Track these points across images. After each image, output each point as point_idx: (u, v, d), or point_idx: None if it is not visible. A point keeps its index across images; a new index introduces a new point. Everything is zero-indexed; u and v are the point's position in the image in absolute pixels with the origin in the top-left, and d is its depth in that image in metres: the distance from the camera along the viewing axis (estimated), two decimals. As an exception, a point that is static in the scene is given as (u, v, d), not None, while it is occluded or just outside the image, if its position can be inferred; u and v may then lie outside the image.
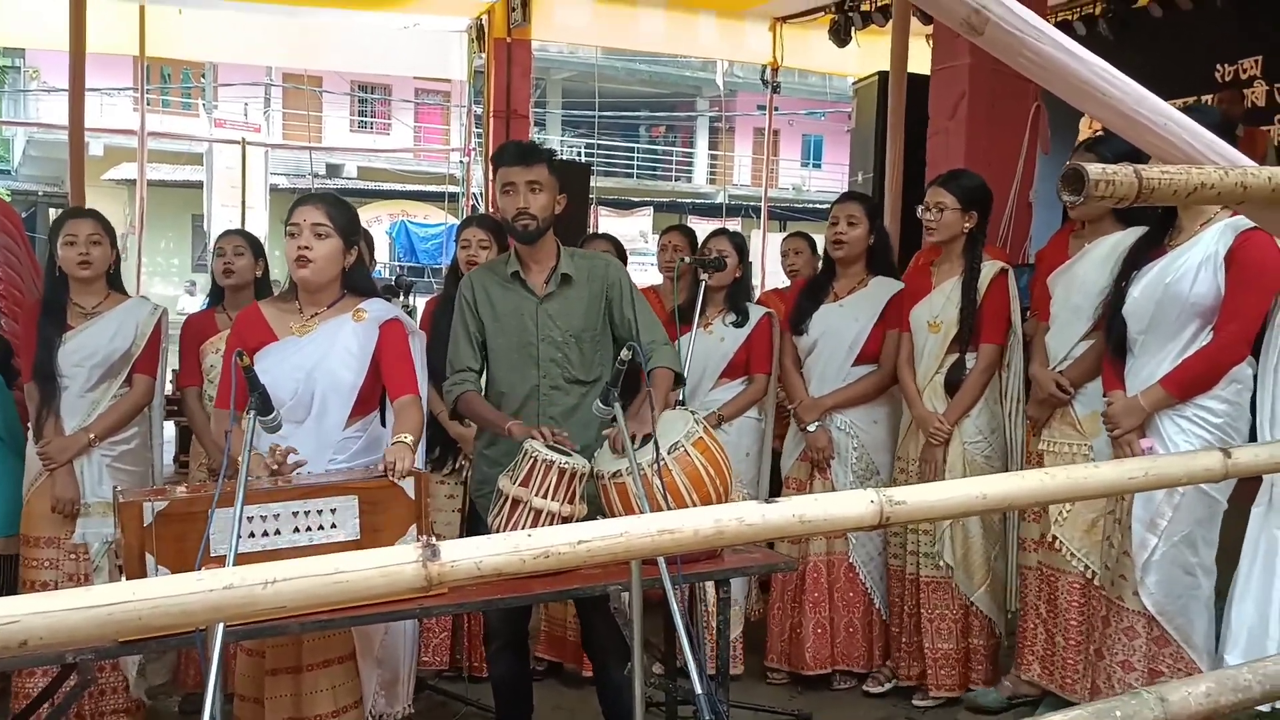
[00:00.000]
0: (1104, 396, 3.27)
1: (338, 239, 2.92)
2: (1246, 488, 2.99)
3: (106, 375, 3.61)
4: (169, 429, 5.37)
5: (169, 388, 4.15)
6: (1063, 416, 3.58)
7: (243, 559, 2.22)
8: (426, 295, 6.17)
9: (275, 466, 2.68)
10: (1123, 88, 1.81)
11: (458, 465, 4.06)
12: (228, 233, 4.12)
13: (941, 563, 3.85)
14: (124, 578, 2.44)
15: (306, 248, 2.88)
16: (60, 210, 20.25)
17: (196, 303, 15.99)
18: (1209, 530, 3.06)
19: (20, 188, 21.35)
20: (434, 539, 1.61)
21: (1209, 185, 1.78)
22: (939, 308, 3.88)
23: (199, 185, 18.31)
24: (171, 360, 4.02)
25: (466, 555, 1.53)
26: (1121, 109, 1.81)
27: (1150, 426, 3.13)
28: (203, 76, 21.57)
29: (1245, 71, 7.94)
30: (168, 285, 21.00)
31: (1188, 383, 3.06)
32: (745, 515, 1.67)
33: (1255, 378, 3.03)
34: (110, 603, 1.36)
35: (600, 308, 3.21)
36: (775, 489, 4.31)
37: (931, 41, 6.29)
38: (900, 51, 6.39)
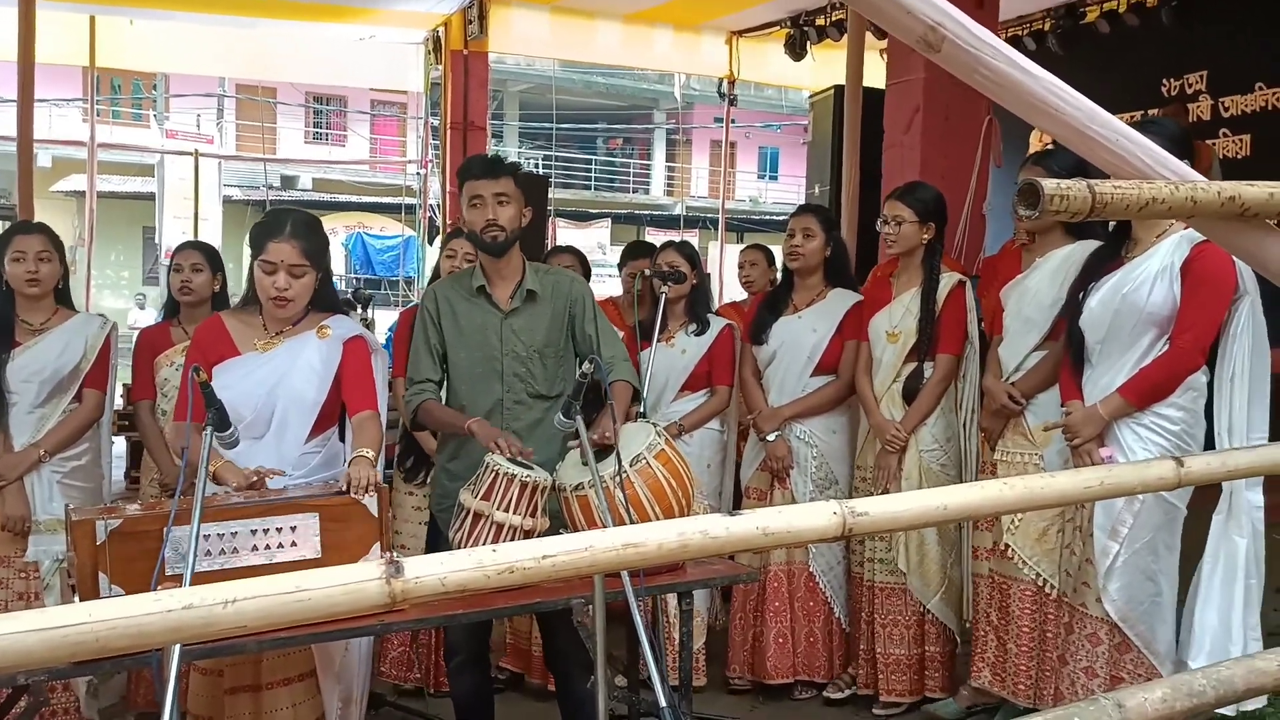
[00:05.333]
0: (1062, 407, 3.31)
1: (313, 273, 2.91)
2: (1207, 493, 3.05)
3: (55, 391, 3.55)
4: (119, 444, 5.27)
5: (119, 402, 4.08)
6: (1015, 427, 3.63)
7: (199, 579, 2.17)
8: (384, 308, 6.12)
9: (252, 481, 2.65)
10: (1075, 104, 1.84)
11: (429, 477, 4.04)
12: (185, 247, 4.02)
13: (896, 569, 3.89)
14: (76, 597, 2.39)
15: (286, 289, 2.86)
16: (5, 222, 19.90)
17: (147, 316, 15.76)
18: (1170, 536, 3.11)
19: (-35, 200, 20.89)
20: (396, 554, 1.61)
21: (1160, 200, 1.82)
22: (898, 318, 3.93)
23: (150, 197, 18.07)
24: (124, 374, 3.95)
25: (430, 572, 1.52)
26: (1074, 125, 1.85)
27: (1109, 435, 3.18)
28: (154, 87, 21.28)
29: (1190, 86, 8.11)
30: (118, 298, 20.66)
31: (1146, 391, 3.11)
32: (709, 528, 1.68)
33: (1210, 385, 3.10)
34: (66, 624, 1.33)
35: (563, 323, 3.22)
36: (737, 500, 4.32)
37: (886, 56, 6.37)
38: (855, 66, 6.46)
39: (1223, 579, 2.96)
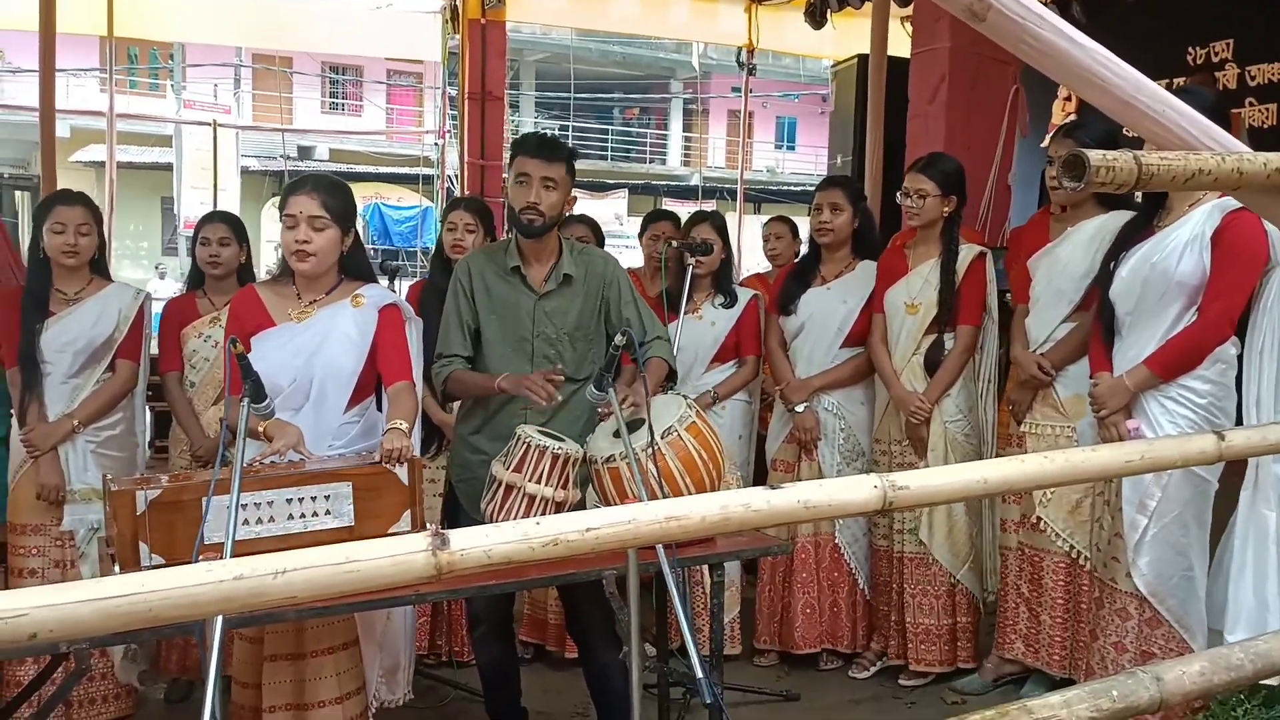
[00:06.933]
0: (1090, 378, 3.30)
1: (335, 228, 2.88)
2: (1234, 466, 3.03)
3: (90, 361, 3.56)
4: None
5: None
6: (1045, 399, 3.62)
7: (238, 547, 2.20)
8: (404, 279, 6.13)
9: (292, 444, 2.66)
10: (1121, 74, 1.83)
11: (440, 450, 4.04)
12: (210, 219, 4.00)
13: (918, 539, 3.90)
14: (116, 567, 2.41)
15: (305, 242, 2.84)
16: (25, 192, 19.94)
17: (167, 286, 15.81)
18: (1200, 510, 3.09)
19: (-16, 170, 20.95)
20: (431, 526, 1.62)
21: (1206, 171, 1.80)
22: (917, 289, 3.91)
23: (167, 167, 18.08)
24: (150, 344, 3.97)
25: (476, 544, 1.53)
26: (1120, 95, 1.83)
27: (1136, 407, 3.15)
28: (171, 57, 21.24)
29: (1217, 54, 7.96)
30: (137, 268, 20.73)
31: (1172, 362, 3.08)
32: (751, 501, 1.69)
33: (1240, 358, 3.06)
34: (120, 594, 1.35)
35: (596, 306, 3.19)
36: (760, 471, 4.33)
37: (911, 25, 6.31)
38: (880, 34, 6.39)
39: (1255, 554, 2.94)
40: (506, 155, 3.79)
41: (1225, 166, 1.81)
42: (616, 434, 2.78)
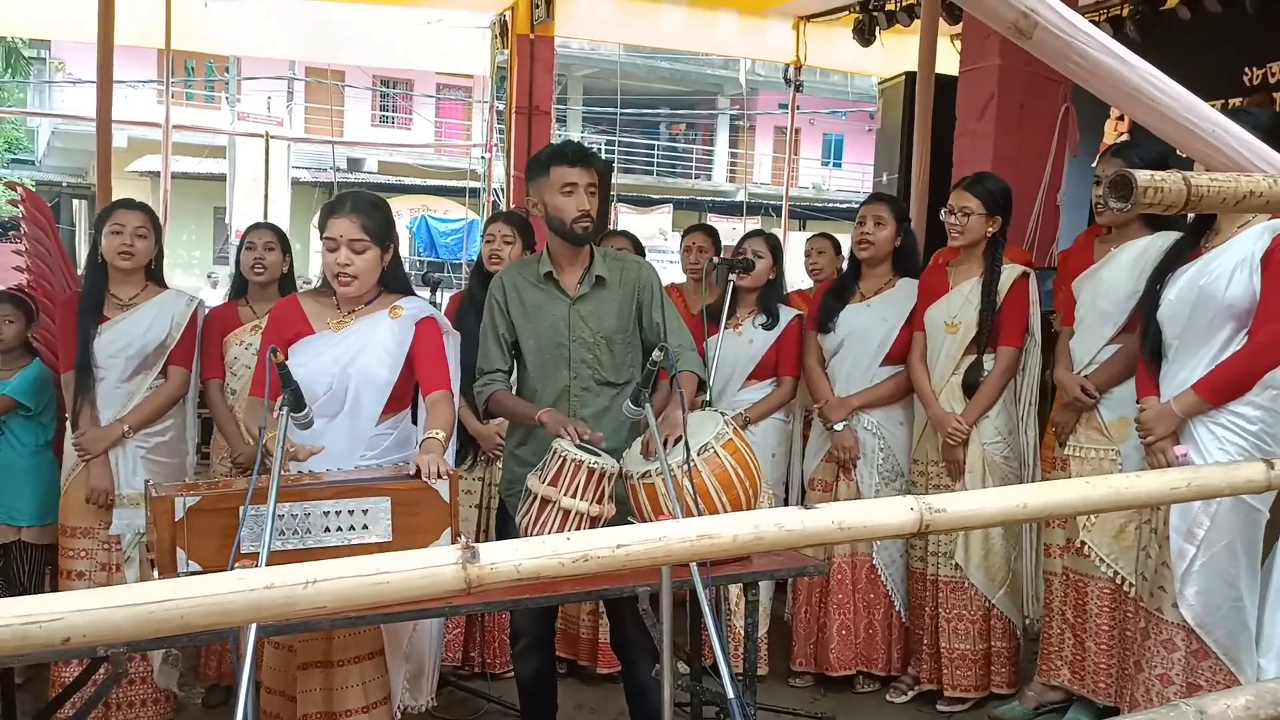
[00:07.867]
0: (1137, 403, 3.23)
1: (375, 248, 2.91)
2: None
3: (142, 367, 3.61)
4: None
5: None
6: (1089, 421, 3.56)
7: (274, 558, 2.21)
8: (446, 289, 6.18)
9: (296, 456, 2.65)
10: (1171, 94, 1.79)
11: (476, 461, 4.05)
12: (257, 226, 4.07)
13: (954, 562, 3.84)
14: (155, 571, 2.44)
15: (347, 264, 2.87)
16: (82, 201, 20.40)
17: (218, 294, 16.06)
18: (1250, 540, 2.98)
19: (44, 178, 21.45)
20: (462, 539, 1.62)
21: (1257, 193, 1.76)
22: (957, 308, 3.87)
23: (221, 178, 18.42)
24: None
25: (505, 558, 1.52)
26: (1170, 115, 1.80)
27: (1184, 433, 3.07)
28: (226, 69, 21.65)
29: (1274, 75, 7.84)
30: (189, 277, 21.04)
31: (1222, 387, 2.99)
32: (784, 521, 1.67)
33: None
34: (152, 601, 1.36)
35: (631, 310, 3.20)
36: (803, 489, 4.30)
37: (960, 43, 6.26)
38: (928, 52, 6.35)
39: None
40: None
41: (1277, 188, 1.77)
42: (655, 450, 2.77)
